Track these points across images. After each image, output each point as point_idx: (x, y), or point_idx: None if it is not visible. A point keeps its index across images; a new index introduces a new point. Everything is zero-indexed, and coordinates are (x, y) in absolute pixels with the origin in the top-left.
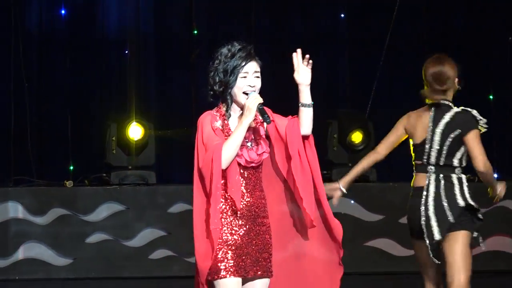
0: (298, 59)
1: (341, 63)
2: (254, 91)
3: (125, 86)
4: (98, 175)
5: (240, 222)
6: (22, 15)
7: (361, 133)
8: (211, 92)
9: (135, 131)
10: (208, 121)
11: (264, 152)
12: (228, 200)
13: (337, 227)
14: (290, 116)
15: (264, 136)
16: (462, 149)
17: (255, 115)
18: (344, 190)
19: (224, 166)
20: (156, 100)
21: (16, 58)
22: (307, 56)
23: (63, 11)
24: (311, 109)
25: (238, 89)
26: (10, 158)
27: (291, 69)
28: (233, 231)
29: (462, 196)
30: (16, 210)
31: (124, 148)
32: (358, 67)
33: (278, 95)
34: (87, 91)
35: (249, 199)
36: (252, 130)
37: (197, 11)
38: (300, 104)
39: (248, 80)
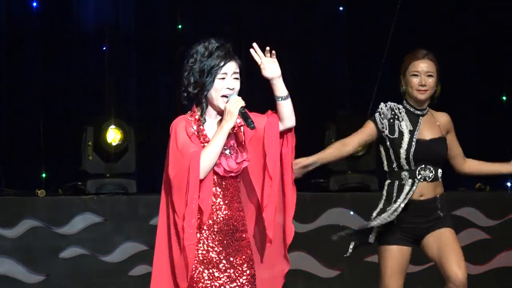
0: (258, 54)
1: (339, 61)
2: (234, 94)
3: (103, 86)
4: (73, 184)
5: (217, 237)
6: None
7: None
8: (185, 94)
9: (113, 136)
10: (183, 126)
11: (244, 160)
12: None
13: (290, 234)
14: (269, 111)
15: (243, 143)
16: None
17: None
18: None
19: (202, 176)
20: (137, 102)
21: None
22: (268, 48)
23: (34, 3)
24: (289, 100)
25: (215, 91)
26: None
27: (284, 66)
28: (209, 248)
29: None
30: None
31: (102, 154)
32: (359, 66)
33: (270, 96)
34: (61, 91)
35: (227, 212)
36: (231, 136)
37: (182, 3)
38: (277, 99)
39: (227, 82)
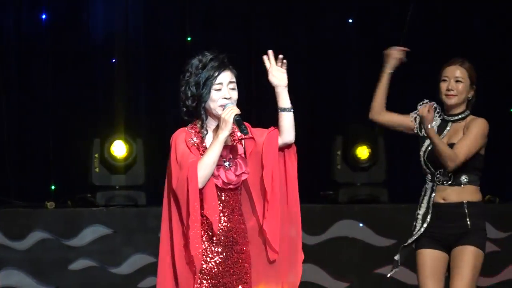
0: (270, 60)
1: (348, 74)
2: (231, 103)
3: (112, 98)
4: (82, 196)
5: (216, 249)
6: None
7: (368, 148)
8: (184, 109)
9: (120, 148)
10: (183, 138)
11: (243, 173)
12: (204, 224)
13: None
14: (271, 127)
15: (243, 155)
16: None
17: (233, 130)
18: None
19: (200, 185)
20: (146, 114)
21: None
22: (281, 56)
23: (44, 16)
24: (291, 114)
25: (212, 102)
26: None
27: (294, 80)
28: (208, 259)
29: None
30: None
31: (109, 166)
32: (368, 78)
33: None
34: (70, 103)
35: (226, 224)
36: (230, 149)
37: (191, 16)
38: (279, 109)
39: (223, 92)
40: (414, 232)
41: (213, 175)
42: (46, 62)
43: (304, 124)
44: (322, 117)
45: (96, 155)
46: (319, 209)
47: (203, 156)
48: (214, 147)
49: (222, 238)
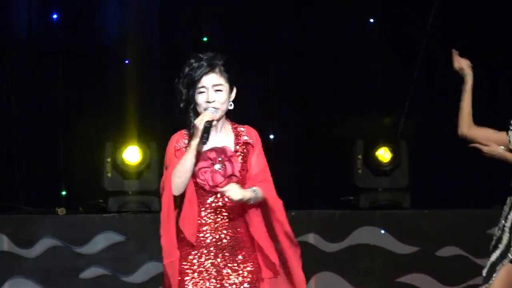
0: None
1: (370, 75)
2: (215, 108)
3: (125, 101)
4: (94, 201)
5: (207, 254)
6: (8, 19)
7: (390, 151)
8: (178, 115)
9: (133, 152)
10: (174, 141)
11: (232, 175)
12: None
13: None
14: (260, 177)
15: (235, 158)
16: None
17: (239, 133)
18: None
19: (176, 192)
20: (161, 117)
21: (2, 68)
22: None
23: (55, 16)
24: (255, 200)
25: (198, 106)
26: None
27: (314, 80)
28: (200, 263)
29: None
30: (0, 241)
31: (121, 171)
32: (390, 80)
33: (300, 107)
34: (82, 105)
35: (219, 229)
36: (219, 151)
37: (207, 15)
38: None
39: (207, 95)
40: (502, 245)
41: (198, 180)
42: (57, 63)
43: (323, 127)
44: (342, 119)
45: (109, 160)
46: (339, 215)
47: (177, 164)
48: (186, 154)
49: (215, 243)
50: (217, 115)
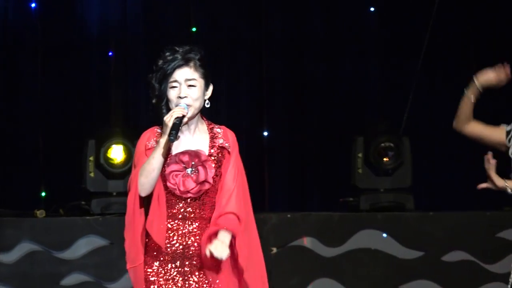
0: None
1: (369, 68)
2: (188, 104)
3: (109, 96)
4: (75, 203)
5: (173, 262)
6: None
7: (392, 150)
8: (151, 112)
9: (116, 151)
10: (145, 139)
11: (205, 181)
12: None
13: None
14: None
15: (209, 163)
16: None
17: (215, 135)
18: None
19: (142, 193)
20: (146, 113)
21: None
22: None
23: (33, 4)
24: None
25: (170, 102)
26: None
27: (309, 73)
28: (166, 271)
29: None
30: None
31: (105, 170)
32: (391, 73)
33: (295, 102)
34: (62, 101)
35: (188, 235)
36: (192, 155)
37: (196, 4)
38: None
39: (179, 90)
40: None
41: (168, 184)
42: (35, 55)
43: (321, 124)
44: (341, 115)
45: (91, 158)
46: (337, 217)
47: (144, 163)
48: (154, 152)
49: (182, 250)
50: (189, 113)
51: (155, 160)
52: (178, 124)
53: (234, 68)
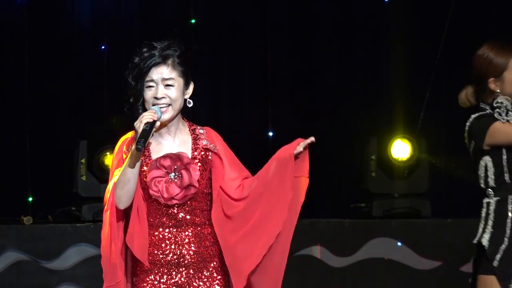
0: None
1: (383, 61)
2: (165, 105)
3: (102, 92)
4: (65, 209)
5: (166, 273)
6: None
7: (407, 151)
8: (128, 111)
9: (110, 154)
10: (124, 145)
11: (190, 185)
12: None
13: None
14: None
15: (193, 166)
16: (484, 165)
17: (198, 136)
18: None
19: (119, 206)
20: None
21: None
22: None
23: None
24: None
25: (146, 102)
26: None
27: (318, 68)
28: (158, 283)
29: (483, 229)
30: None
31: (97, 174)
32: (407, 67)
33: (302, 99)
34: (51, 99)
35: (180, 245)
36: (174, 159)
37: None
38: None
39: (156, 90)
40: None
41: (151, 192)
42: (22, 48)
43: (330, 123)
44: (352, 115)
45: (83, 161)
46: (348, 224)
47: (119, 173)
48: (126, 161)
49: (173, 260)
50: (167, 115)
51: (128, 170)
52: (147, 131)
53: (237, 64)
